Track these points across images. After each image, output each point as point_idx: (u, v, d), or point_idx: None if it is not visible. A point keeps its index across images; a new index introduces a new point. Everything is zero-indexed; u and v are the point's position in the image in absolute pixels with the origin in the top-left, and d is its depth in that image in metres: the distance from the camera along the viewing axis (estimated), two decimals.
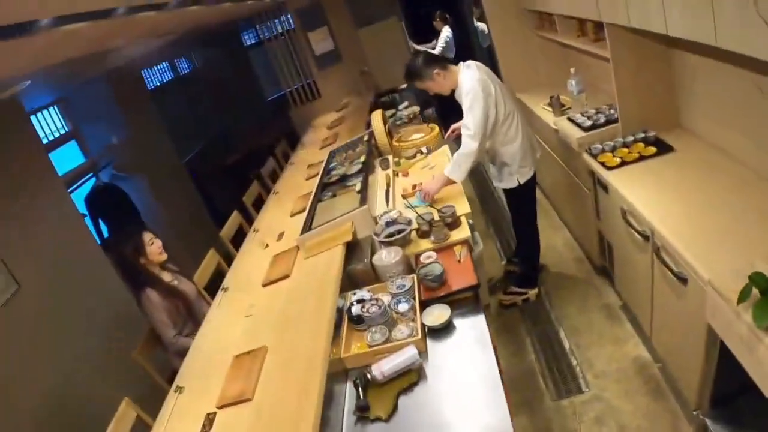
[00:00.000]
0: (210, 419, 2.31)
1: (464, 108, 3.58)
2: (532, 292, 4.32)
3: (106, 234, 5.84)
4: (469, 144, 3.54)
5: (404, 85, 7.32)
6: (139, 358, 3.36)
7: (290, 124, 8.03)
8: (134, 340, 4.22)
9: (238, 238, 4.73)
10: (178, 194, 6.85)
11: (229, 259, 4.37)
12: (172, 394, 2.62)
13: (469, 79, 3.56)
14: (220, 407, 2.32)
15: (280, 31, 7.58)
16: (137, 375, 3.38)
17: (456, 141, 3.87)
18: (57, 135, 5.72)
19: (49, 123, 5.63)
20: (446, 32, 7.99)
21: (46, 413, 3.60)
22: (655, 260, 2.77)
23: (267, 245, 3.83)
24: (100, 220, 5.78)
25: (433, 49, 7.86)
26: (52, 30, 1.44)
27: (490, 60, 6.53)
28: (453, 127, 4.16)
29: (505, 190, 4.06)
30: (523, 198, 4.02)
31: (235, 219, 4.91)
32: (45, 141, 5.30)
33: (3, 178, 3.91)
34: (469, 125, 3.54)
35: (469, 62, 3.73)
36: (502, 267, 4.84)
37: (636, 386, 3.29)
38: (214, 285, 3.95)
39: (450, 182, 3.63)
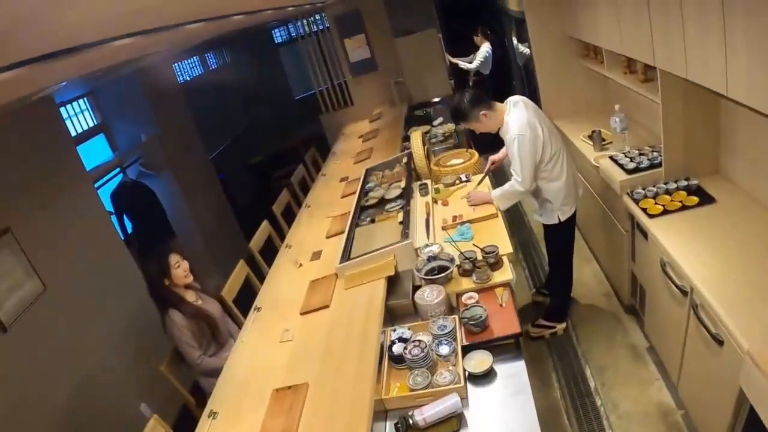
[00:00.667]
0: None
1: (511, 153, 3.57)
2: (560, 327, 4.28)
3: (130, 230, 5.83)
4: (517, 188, 3.60)
5: (437, 98, 7.29)
6: (166, 371, 3.36)
7: (320, 129, 7.98)
8: (158, 343, 4.25)
9: (268, 248, 4.74)
10: (204, 194, 6.83)
11: (257, 271, 4.37)
12: (205, 419, 2.61)
13: (515, 122, 3.52)
14: None
15: (314, 29, 7.56)
16: (159, 382, 3.40)
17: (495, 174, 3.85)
18: (86, 128, 5.71)
19: (78, 115, 5.62)
20: (486, 48, 7.86)
21: (67, 416, 3.63)
22: (692, 316, 2.74)
23: (301, 264, 3.81)
24: (125, 216, 5.76)
25: (470, 63, 7.81)
26: (101, 46, 1.41)
27: (526, 78, 6.49)
28: (492, 158, 4.15)
29: (545, 225, 4.04)
30: (562, 235, 4.00)
31: (264, 229, 4.88)
32: (73, 134, 5.28)
33: (30, 171, 3.90)
34: (517, 171, 3.56)
35: (516, 98, 3.68)
36: (530, 295, 4.81)
37: None
38: (240, 296, 3.99)
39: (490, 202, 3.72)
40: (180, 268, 3.44)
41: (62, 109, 5.11)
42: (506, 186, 3.70)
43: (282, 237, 4.80)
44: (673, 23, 2.78)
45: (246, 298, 4.04)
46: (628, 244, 3.78)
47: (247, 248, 4.54)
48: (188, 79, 8.57)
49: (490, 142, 4.28)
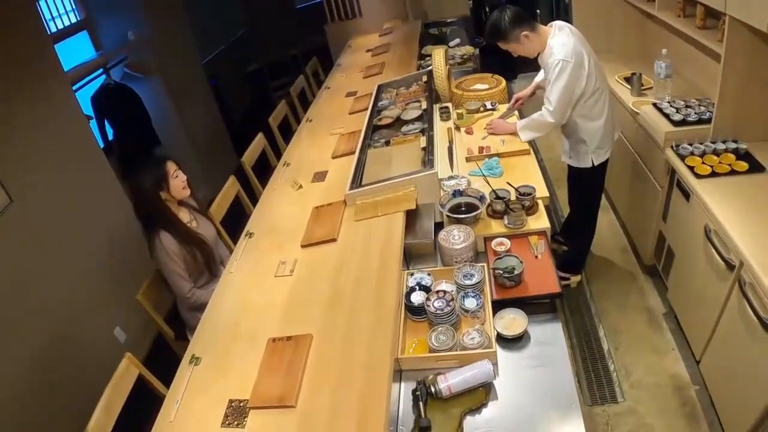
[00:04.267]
0: (235, 409, 1.95)
1: (551, 77, 3.16)
2: (575, 279, 4.00)
3: (111, 137, 5.35)
4: (547, 118, 3.24)
5: (453, 18, 6.77)
6: (143, 300, 2.99)
7: (322, 40, 7.46)
8: (137, 264, 3.90)
9: (260, 165, 4.37)
10: (194, 101, 6.29)
11: (249, 191, 4.00)
12: (186, 365, 2.23)
13: (561, 47, 3.10)
14: (252, 407, 1.93)
15: None
16: (135, 307, 3.02)
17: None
18: (67, 24, 5.11)
19: (59, 9, 5.01)
20: None
21: (36, 336, 3.31)
22: (735, 293, 2.53)
23: (301, 186, 3.38)
24: (106, 122, 5.25)
25: None
26: None
27: (555, 6, 5.99)
28: (517, 95, 3.76)
29: (572, 168, 3.64)
30: (592, 181, 3.62)
31: (259, 142, 4.46)
32: (53, 30, 4.76)
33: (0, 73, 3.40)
34: (552, 100, 3.18)
35: (561, 23, 3.25)
36: None
37: (672, 406, 3.08)
38: (230, 218, 3.67)
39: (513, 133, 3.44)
40: (178, 178, 2.98)
41: (42, 2, 4.59)
42: (535, 115, 3.34)
43: (278, 154, 4.39)
44: None
45: (235, 220, 3.72)
46: (662, 201, 3.48)
47: (237, 163, 4.10)
48: None
49: (502, 68, 3.98)
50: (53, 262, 3.52)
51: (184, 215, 3.08)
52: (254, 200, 3.67)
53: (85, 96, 4.97)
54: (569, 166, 3.66)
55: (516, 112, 3.72)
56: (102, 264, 3.98)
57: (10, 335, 3.12)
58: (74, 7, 5.25)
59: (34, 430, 3.18)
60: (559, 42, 3.12)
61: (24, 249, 3.32)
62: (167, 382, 2.23)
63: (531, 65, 3.40)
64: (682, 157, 3.13)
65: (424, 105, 3.80)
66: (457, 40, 5.85)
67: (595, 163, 3.45)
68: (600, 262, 4.24)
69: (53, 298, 3.46)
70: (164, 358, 2.92)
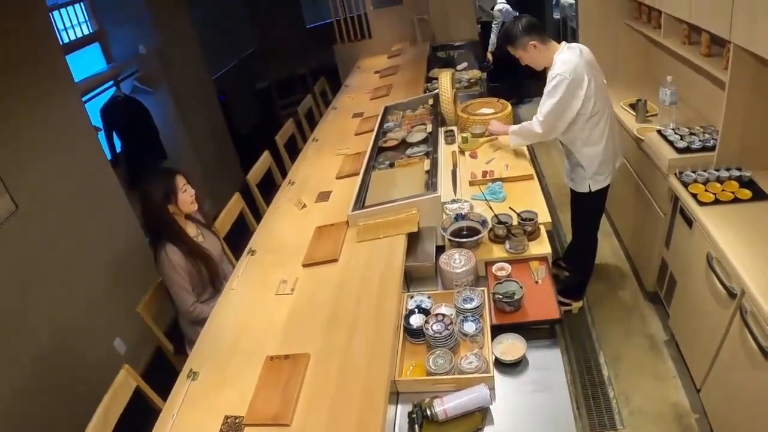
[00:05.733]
0: (231, 426, 1.95)
1: (546, 90, 3.21)
2: (576, 305, 3.98)
3: (119, 149, 5.38)
4: (535, 128, 3.31)
5: (461, 42, 6.80)
6: (143, 312, 2.99)
7: (331, 60, 7.51)
8: (139, 276, 3.90)
9: (266, 182, 4.39)
10: (202, 116, 6.33)
11: (253, 208, 4.02)
12: (184, 379, 2.23)
13: (562, 63, 3.14)
14: (247, 424, 1.93)
15: None
16: (136, 318, 3.03)
17: None
18: (80, 36, 5.17)
19: (72, 20, 5.07)
20: (500, 5, 7.14)
21: (35, 344, 3.31)
22: (736, 321, 2.51)
23: (304, 205, 3.40)
24: (114, 135, 5.30)
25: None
26: None
27: (563, 32, 6.04)
28: None
29: (573, 191, 3.65)
30: (590, 206, 3.62)
31: (264, 160, 4.48)
32: (65, 41, 4.81)
33: (10, 80, 3.42)
34: (543, 111, 3.22)
35: (574, 44, 3.29)
36: None
37: None
38: (233, 234, 3.68)
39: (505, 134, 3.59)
40: (186, 193, 2.99)
41: (55, 14, 4.63)
42: (525, 123, 3.41)
43: (284, 172, 4.41)
44: None
45: (238, 236, 3.73)
46: (665, 228, 3.47)
47: (242, 180, 4.12)
48: None
49: (508, 93, 3.85)
50: (55, 271, 3.52)
51: (191, 229, 3.09)
52: (258, 217, 3.69)
53: (94, 108, 5.00)
54: (570, 190, 3.67)
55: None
56: (104, 274, 3.98)
57: (10, 341, 3.12)
58: (87, 18, 5.31)
59: None
60: (563, 58, 3.16)
61: (27, 256, 3.32)
62: (164, 395, 2.23)
63: (536, 91, 3.44)
64: (686, 185, 3.13)
65: (429, 128, 3.82)
66: (465, 64, 5.88)
67: (592, 189, 3.44)
68: (602, 288, 4.22)
69: (54, 307, 3.46)
70: (163, 372, 2.92)
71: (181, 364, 2.34)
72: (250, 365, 2.18)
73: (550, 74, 3.16)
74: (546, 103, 3.18)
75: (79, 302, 3.68)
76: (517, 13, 7.18)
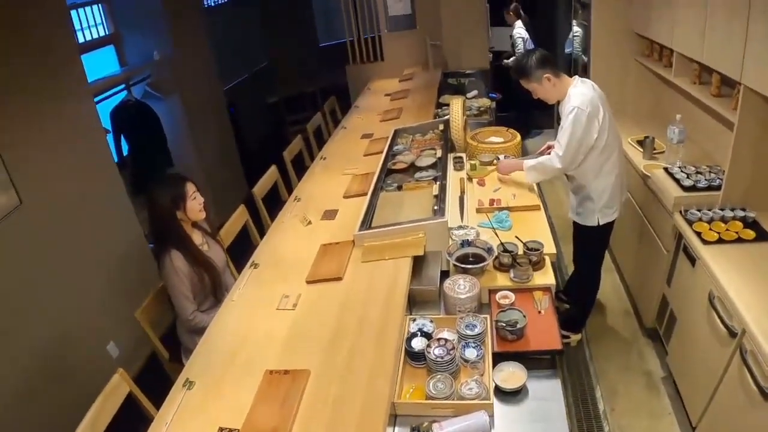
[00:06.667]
0: None
1: (563, 123, 3.23)
2: (575, 338, 3.96)
3: (125, 153, 5.40)
4: (555, 163, 3.29)
5: (472, 70, 6.84)
6: (141, 318, 2.97)
7: (342, 80, 7.52)
8: (138, 281, 3.89)
9: (270, 197, 4.38)
10: (211, 126, 6.35)
11: (257, 222, 4.01)
12: (179, 388, 2.20)
13: (578, 96, 3.18)
14: None
15: None
16: (131, 323, 2.99)
17: None
18: (95, 37, 5.20)
19: (89, 21, 5.11)
20: (518, 30, 7.35)
21: (33, 338, 3.31)
22: (736, 360, 2.51)
23: (310, 222, 3.39)
24: (122, 138, 5.33)
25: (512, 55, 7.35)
26: None
27: (573, 67, 6.07)
28: (549, 143, 3.75)
29: (578, 225, 3.66)
30: (596, 240, 3.64)
31: (271, 175, 4.49)
32: (81, 41, 4.84)
33: (27, 72, 3.44)
34: (562, 144, 3.23)
35: (586, 79, 3.35)
36: None
37: None
38: (235, 246, 3.65)
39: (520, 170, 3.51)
40: (195, 200, 2.99)
41: (73, 13, 4.64)
42: (543, 158, 3.41)
43: (289, 188, 4.41)
44: None
45: (239, 248, 3.71)
46: (667, 265, 3.47)
47: (247, 193, 4.12)
48: (213, 3, 8.02)
49: (516, 124, 4.13)
50: (54, 268, 3.51)
51: (197, 237, 3.08)
52: (261, 231, 3.69)
53: (104, 109, 5.02)
54: (575, 223, 3.68)
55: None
56: (102, 276, 3.96)
57: (8, 336, 3.12)
58: (104, 20, 5.35)
59: None
60: (578, 91, 3.19)
61: (26, 252, 3.31)
62: (156, 402, 2.21)
63: (544, 123, 3.44)
64: (690, 223, 3.14)
65: (438, 153, 3.83)
66: (475, 92, 5.92)
67: (601, 222, 3.46)
68: (601, 322, 4.22)
69: (50, 306, 3.44)
70: (155, 379, 2.87)
71: (176, 373, 2.33)
72: (247, 378, 2.16)
73: (567, 107, 3.19)
74: (565, 137, 3.19)
75: (74, 302, 3.65)
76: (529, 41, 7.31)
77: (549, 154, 3.69)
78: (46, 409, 3.30)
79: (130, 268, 4.19)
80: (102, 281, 3.96)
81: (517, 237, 2.84)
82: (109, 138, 4.80)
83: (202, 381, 2.22)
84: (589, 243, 3.68)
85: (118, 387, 2.42)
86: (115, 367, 2.51)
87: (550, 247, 2.85)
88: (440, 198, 3.11)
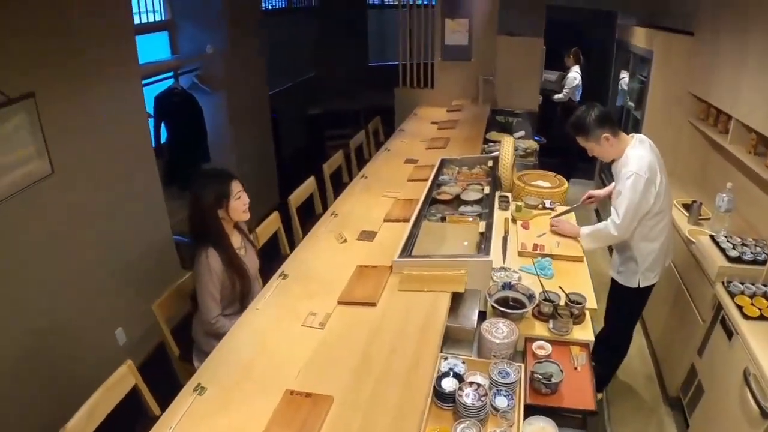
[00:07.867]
0: None
1: (621, 189, 3.12)
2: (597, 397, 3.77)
3: (164, 140, 5.41)
4: (611, 231, 3.17)
5: (520, 110, 6.77)
6: (158, 310, 2.88)
7: (388, 102, 7.46)
8: (154, 273, 3.83)
9: (304, 209, 4.32)
10: (253, 128, 6.33)
11: (287, 230, 3.95)
12: (189, 392, 2.11)
13: (637, 159, 3.08)
14: None
15: (416, 2, 6.96)
16: (143, 312, 2.96)
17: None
18: (151, 20, 5.24)
19: (147, 6, 5.17)
20: (574, 74, 7.46)
21: (36, 315, 3.22)
22: None
23: (345, 240, 3.31)
24: (163, 125, 5.34)
25: (556, 83, 7.30)
26: None
27: (625, 120, 6.00)
28: (591, 192, 3.69)
29: (617, 284, 3.54)
30: (633, 302, 3.53)
31: (308, 185, 4.43)
32: (137, 23, 4.82)
33: (81, 44, 3.41)
34: (620, 212, 3.11)
35: (643, 137, 3.24)
36: None
37: None
38: (264, 254, 3.51)
39: (574, 237, 3.36)
40: (240, 200, 2.90)
41: None
42: (600, 225, 3.29)
43: (324, 202, 4.32)
44: None
45: (266, 256, 3.57)
46: (701, 335, 3.35)
47: (279, 201, 4.05)
48: (270, 8, 8.09)
49: (558, 170, 4.14)
50: (72, 244, 3.45)
51: (236, 240, 2.99)
52: (291, 241, 3.62)
53: (149, 94, 4.98)
54: (613, 281, 3.57)
55: (573, 213, 3.67)
56: (122, 260, 3.91)
57: (20, 304, 3.08)
58: (162, 6, 5.38)
59: (16, 411, 3.07)
60: (637, 154, 3.09)
61: (48, 221, 3.25)
62: (158, 399, 2.17)
63: (587, 173, 3.34)
64: (732, 295, 3.04)
65: (486, 189, 3.76)
66: (522, 132, 5.85)
67: (642, 285, 3.35)
68: (623, 385, 4.09)
69: (65, 279, 3.39)
70: (158, 374, 2.76)
71: (184, 372, 2.25)
72: (263, 394, 2.07)
73: (624, 171, 3.08)
74: (622, 204, 3.09)
75: (88, 281, 3.60)
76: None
77: (590, 204, 3.60)
78: (44, 385, 3.22)
79: (150, 257, 4.14)
80: (121, 265, 3.90)
81: (560, 287, 2.73)
82: (150, 123, 4.78)
83: (214, 388, 2.13)
84: (626, 304, 3.56)
85: (123, 379, 2.34)
86: (120, 353, 2.44)
87: (591, 302, 2.75)
88: (486, 236, 3.02)
